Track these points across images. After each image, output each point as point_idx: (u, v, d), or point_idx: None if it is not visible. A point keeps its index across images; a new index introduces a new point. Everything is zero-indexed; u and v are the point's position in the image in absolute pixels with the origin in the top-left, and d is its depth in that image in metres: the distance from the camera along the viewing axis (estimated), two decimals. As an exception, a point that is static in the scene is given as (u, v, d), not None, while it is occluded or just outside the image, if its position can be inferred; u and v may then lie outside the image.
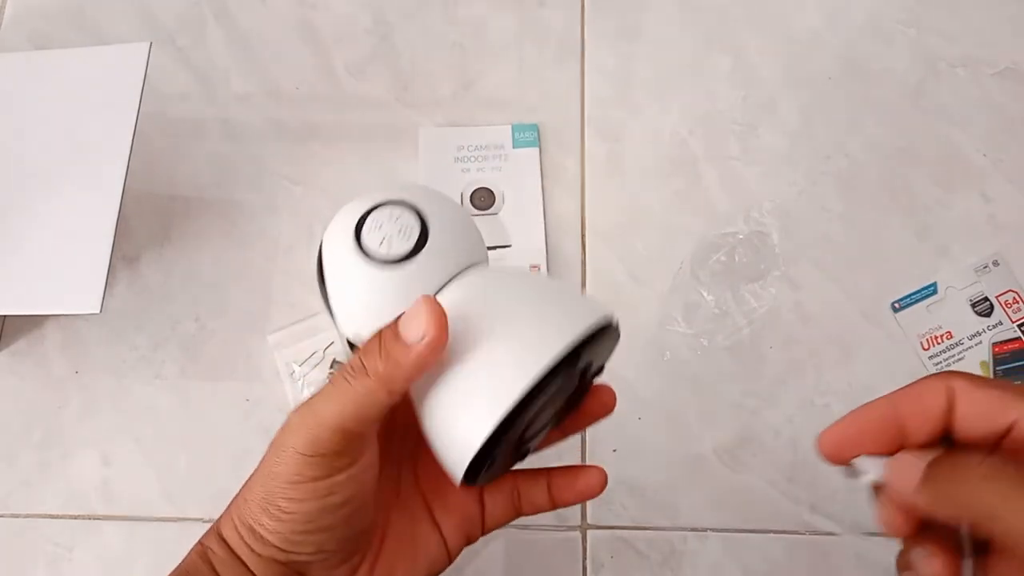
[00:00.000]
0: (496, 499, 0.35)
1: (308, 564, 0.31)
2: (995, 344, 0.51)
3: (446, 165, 0.56)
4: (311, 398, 0.29)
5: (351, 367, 0.28)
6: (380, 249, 0.30)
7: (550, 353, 0.28)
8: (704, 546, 0.48)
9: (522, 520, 0.49)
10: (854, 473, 0.28)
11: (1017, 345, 0.51)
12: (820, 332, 0.52)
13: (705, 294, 0.53)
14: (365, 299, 0.31)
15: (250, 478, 0.31)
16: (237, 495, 0.32)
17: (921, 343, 0.52)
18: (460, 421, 0.29)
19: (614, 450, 0.50)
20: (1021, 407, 0.26)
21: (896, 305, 0.53)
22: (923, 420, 0.27)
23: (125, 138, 0.47)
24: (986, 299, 0.52)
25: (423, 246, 0.30)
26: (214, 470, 0.51)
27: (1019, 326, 0.51)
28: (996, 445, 0.27)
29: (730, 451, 0.50)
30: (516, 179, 0.56)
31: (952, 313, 0.52)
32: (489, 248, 0.54)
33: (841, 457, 0.28)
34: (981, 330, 0.51)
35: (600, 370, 0.34)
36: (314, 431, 0.28)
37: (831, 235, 0.54)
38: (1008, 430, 0.26)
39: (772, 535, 0.49)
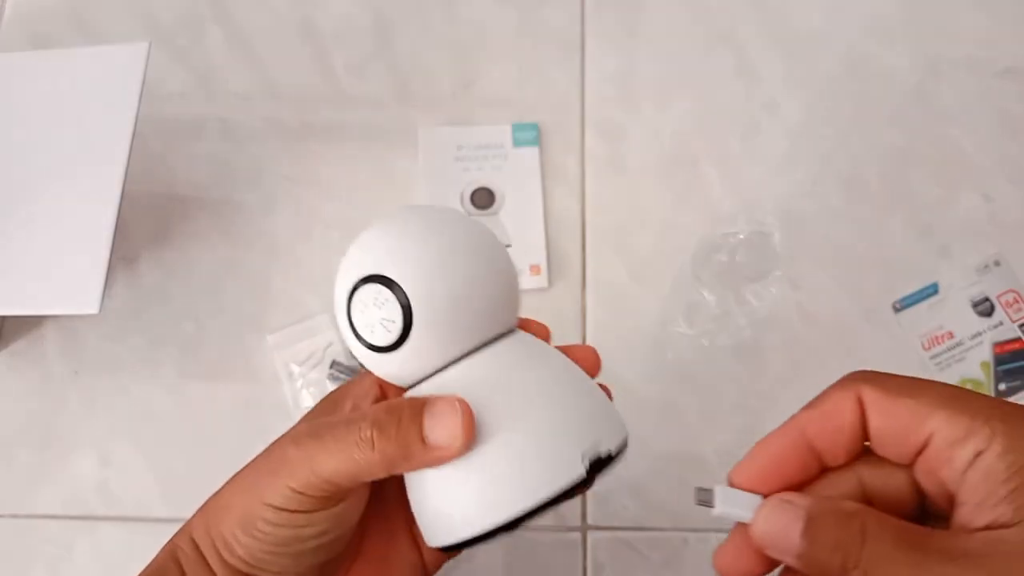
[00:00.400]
0: None
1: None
2: (996, 344, 0.51)
3: (446, 165, 0.56)
4: (316, 438, 0.28)
5: (361, 436, 0.27)
6: (365, 335, 0.29)
7: (557, 484, 0.26)
8: (705, 547, 0.48)
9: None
10: (706, 500, 0.25)
11: (1018, 345, 0.51)
12: (821, 332, 0.52)
13: (706, 294, 0.53)
14: (365, 362, 0.30)
15: (231, 483, 0.31)
16: (214, 498, 0.32)
17: (922, 343, 0.52)
18: (448, 508, 0.28)
19: (614, 450, 0.50)
20: (936, 417, 0.23)
21: (897, 305, 0.52)
22: (835, 442, 0.25)
23: (124, 138, 0.47)
24: (987, 299, 0.52)
25: (405, 339, 0.28)
26: (213, 470, 0.50)
27: (1020, 326, 0.51)
28: (911, 465, 0.24)
29: (731, 452, 0.50)
30: (516, 179, 0.56)
31: (953, 313, 0.52)
32: (489, 248, 0.54)
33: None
34: (982, 330, 0.51)
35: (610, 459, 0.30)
36: (308, 477, 0.28)
37: (832, 235, 0.54)
38: (923, 446, 0.23)
39: (773, 536, 0.48)
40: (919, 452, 0.24)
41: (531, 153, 0.56)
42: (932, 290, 0.52)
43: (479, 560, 0.48)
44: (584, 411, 0.28)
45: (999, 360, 0.51)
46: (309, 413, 0.34)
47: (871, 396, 0.24)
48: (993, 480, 0.22)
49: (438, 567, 0.34)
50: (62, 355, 0.53)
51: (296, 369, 0.52)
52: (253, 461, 0.31)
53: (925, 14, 0.59)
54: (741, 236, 0.54)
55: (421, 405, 0.27)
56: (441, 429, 0.27)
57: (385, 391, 0.33)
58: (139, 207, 0.55)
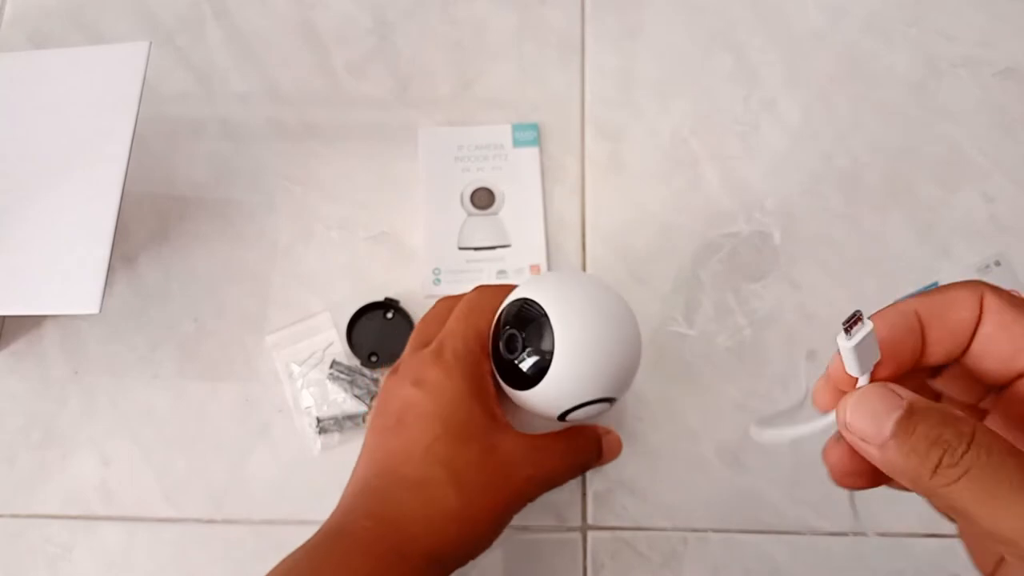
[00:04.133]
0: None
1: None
2: (996, 344, 0.51)
3: (446, 165, 0.56)
4: (549, 460, 0.41)
5: (591, 451, 0.45)
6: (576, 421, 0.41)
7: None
8: (705, 547, 0.48)
9: (522, 521, 0.48)
10: (856, 320, 0.24)
11: (1019, 345, 0.51)
12: (822, 332, 0.52)
13: (706, 294, 0.53)
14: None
15: (468, 506, 0.38)
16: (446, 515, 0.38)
17: (922, 343, 0.52)
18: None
19: (614, 450, 0.50)
20: None
21: (897, 305, 0.52)
22: (946, 335, 0.23)
23: (124, 138, 0.47)
24: (987, 299, 0.52)
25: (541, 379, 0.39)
26: (213, 470, 0.50)
27: (1021, 326, 0.51)
28: (1007, 385, 0.23)
29: (731, 452, 0.50)
30: (516, 179, 0.56)
31: (953, 313, 0.52)
32: (489, 248, 0.54)
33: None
34: (982, 330, 0.51)
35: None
36: (550, 488, 0.41)
37: (833, 235, 0.54)
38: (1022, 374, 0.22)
39: (773, 536, 0.48)
40: (1017, 377, 0.22)
41: (531, 153, 0.56)
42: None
43: (481, 560, 0.48)
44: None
45: (999, 360, 0.51)
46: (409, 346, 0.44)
47: (994, 303, 0.23)
48: None
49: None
50: (62, 355, 0.53)
51: (296, 369, 0.52)
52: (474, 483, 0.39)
53: (925, 14, 0.59)
54: (741, 236, 0.54)
55: (601, 438, 0.47)
56: (611, 452, 0.48)
57: None
58: (139, 207, 0.55)
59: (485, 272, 0.54)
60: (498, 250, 0.54)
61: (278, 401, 0.52)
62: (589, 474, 0.50)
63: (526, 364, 0.38)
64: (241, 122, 0.58)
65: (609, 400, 0.40)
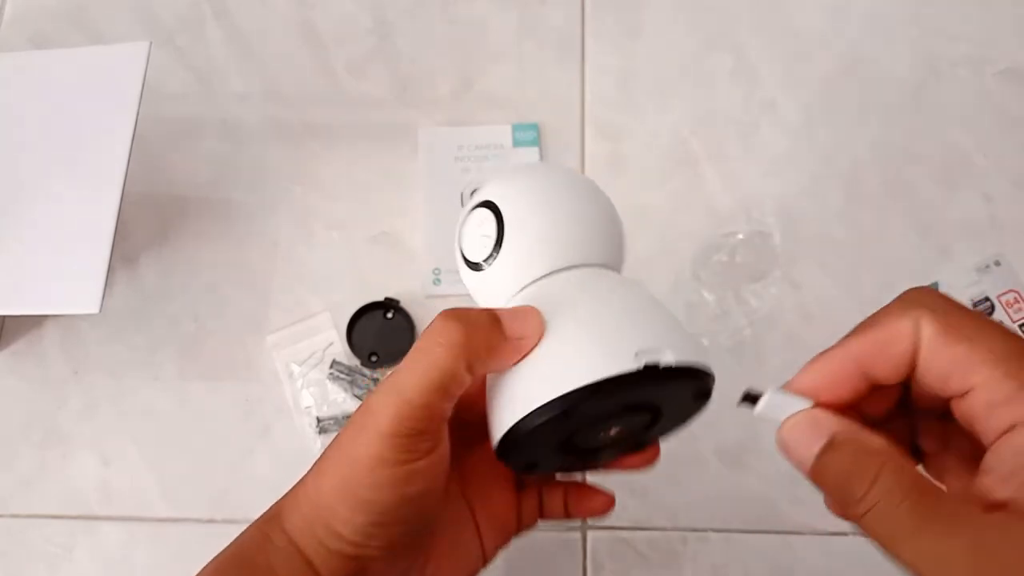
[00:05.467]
0: (526, 505, 0.36)
1: (375, 560, 0.30)
2: (996, 344, 0.51)
3: (446, 165, 0.56)
4: (389, 377, 0.29)
5: (436, 328, 0.28)
6: (468, 255, 0.33)
7: (607, 370, 0.27)
8: (705, 546, 0.48)
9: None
10: (753, 399, 0.26)
11: (1018, 345, 0.51)
12: (822, 332, 0.51)
13: (706, 294, 0.53)
14: (469, 285, 0.34)
15: (318, 465, 0.30)
16: (302, 484, 0.31)
17: (922, 343, 0.52)
18: (509, 401, 0.29)
19: (614, 450, 0.50)
20: (982, 373, 0.22)
21: (897, 305, 0.52)
22: (890, 369, 0.24)
23: (125, 138, 0.47)
24: (987, 299, 0.52)
25: (497, 252, 0.32)
26: (213, 470, 0.50)
27: (1020, 326, 0.51)
28: (945, 407, 0.24)
29: (731, 452, 0.50)
30: (516, 179, 0.56)
31: (953, 313, 0.52)
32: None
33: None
34: (982, 330, 0.51)
35: (668, 429, 0.33)
36: (399, 408, 0.27)
37: (832, 235, 0.54)
38: (964, 393, 0.23)
39: (773, 535, 0.48)
40: (960, 396, 0.23)
41: (531, 153, 0.56)
42: (932, 290, 0.52)
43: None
44: (650, 323, 0.30)
45: (999, 360, 0.51)
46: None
47: (928, 331, 0.23)
48: (1022, 459, 0.21)
49: (495, 553, 0.35)
50: (62, 355, 0.53)
51: (296, 369, 0.52)
52: (334, 442, 0.30)
53: (925, 14, 0.59)
54: (741, 236, 0.54)
55: (494, 312, 0.29)
56: (517, 326, 0.28)
57: None
58: (139, 207, 0.55)
59: (485, 272, 0.54)
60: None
61: (278, 401, 0.52)
62: (589, 474, 0.50)
63: (482, 245, 0.33)
64: (241, 122, 0.58)
65: (491, 207, 0.33)
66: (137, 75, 0.48)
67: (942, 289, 0.52)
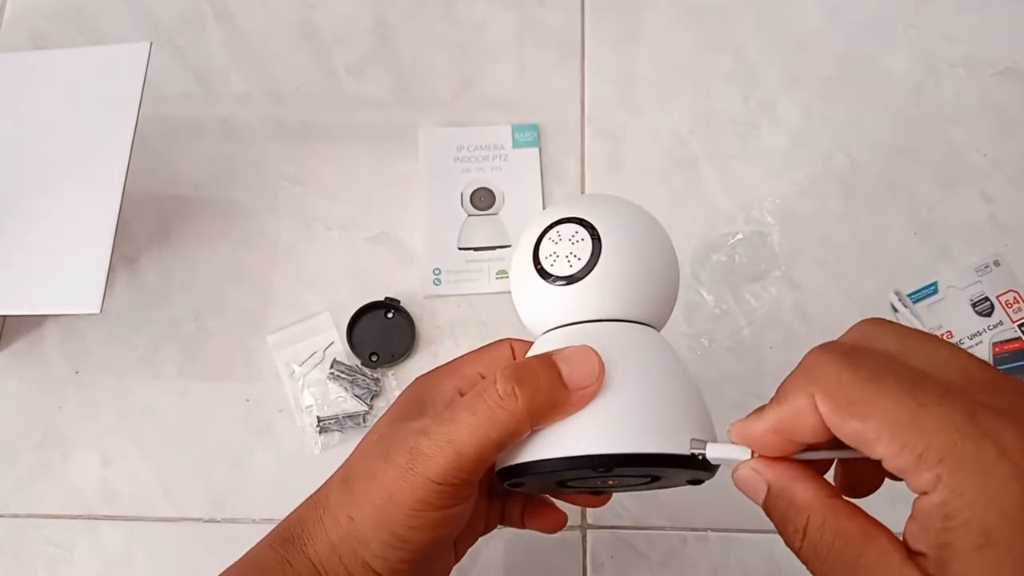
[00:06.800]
0: (492, 511, 0.37)
1: None
2: (995, 344, 0.51)
3: (446, 165, 0.56)
4: (446, 426, 0.29)
5: (501, 394, 0.28)
6: (545, 263, 0.31)
7: (661, 446, 0.28)
8: (704, 546, 0.48)
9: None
10: (699, 448, 0.28)
11: (1017, 345, 0.51)
12: (821, 332, 0.52)
13: (705, 294, 0.53)
14: (523, 292, 0.33)
15: (349, 494, 0.30)
16: (327, 509, 0.31)
17: (922, 343, 0.52)
18: (542, 435, 0.29)
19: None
20: (883, 446, 0.22)
21: (897, 305, 0.53)
22: (807, 436, 0.25)
23: (125, 138, 0.47)
24: (987, 299, 0.52)
25: (583, 276, 0.31)
26: (213, 470, 0.50)
27: (1019, 326, 0.51)
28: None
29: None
30: (516, 179, 0.56)
31: (953, 313, 0.52)
32: (489, 248, 0.54)
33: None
34: (982, 330, 0.51)
35: (644, 490, 0.34)
36: (454, 460, 0.28)
37: (832, 235, 0.54)
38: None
39: (773, 535, 0.48)
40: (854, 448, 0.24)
41: (531, 153, 0.56)
42: (931, 290, 0.53)
43: (480, 559, 0.48)
44: (698, 411, 0.30)
45: (999, 360, 0.51)
46: (390, 412, 0.33)
47: (824, 409, 0.24)
48: (930, 525, 0.22)
49: (464, 554, 0.36)
50: (62, 355, 0.53)
51: (297, 369, 0.52)
52: (367, 472, 0.30)
53: (924, 14, 0.59)
54: (740, 236, 0.54)
55: (549, 356, 0.28)
56: (579, 370, 0.28)
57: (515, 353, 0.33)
58: (140, 207, 0.56)
59: (485, 272, 0.54)
60: (498, 250, 0.54)
61: (279, 401, 0.52)
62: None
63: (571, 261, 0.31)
64: (241, 122, 0.58)
65: (587, 224, 0.32)
66: (137, 75, 0.48)
67: (941, 289, 0.52)
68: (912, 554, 0.22)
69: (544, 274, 0.31)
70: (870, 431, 0.22)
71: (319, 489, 0.33)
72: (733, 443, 0.27)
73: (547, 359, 0.28)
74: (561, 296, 0.31)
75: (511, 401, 0.28)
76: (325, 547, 0.30)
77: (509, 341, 0.34)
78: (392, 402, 0.35)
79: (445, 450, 0.28)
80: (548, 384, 0.28)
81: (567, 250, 0.31)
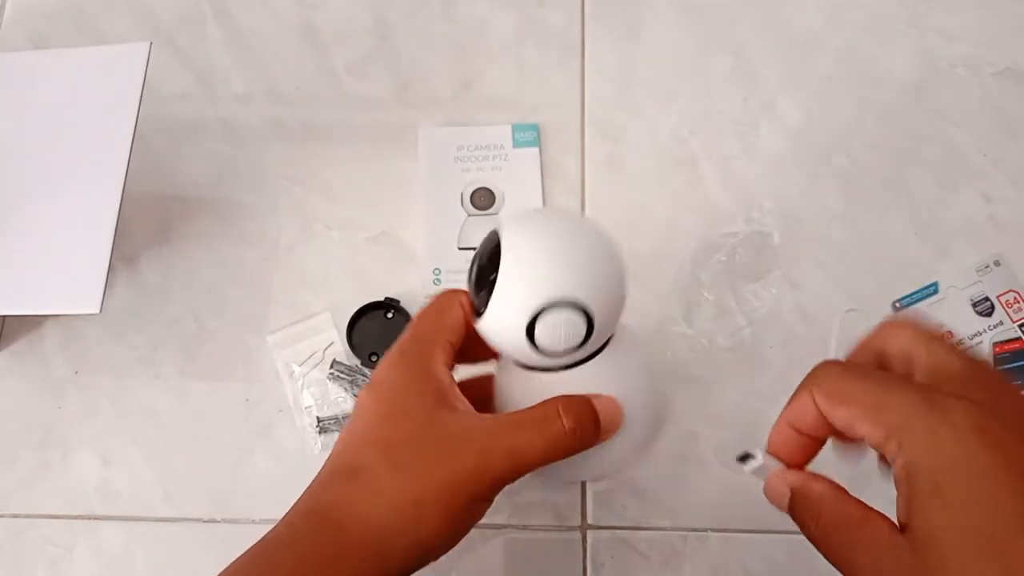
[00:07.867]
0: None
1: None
2: (996, 344, 0.51)
3: (446, 165, 0.56)
4: (509, 436, 0.34)
5: (565, 426, 0.35)
6: (543, 343, 0.35)
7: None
8: (705, 546, 0.48)
9: (522, 520, 0.48)
10: (744, 461, 0.33)
11: (1018, 345, 0.51)
12: (821, 332, 0.52)
13: (706, 294, 0.53)
14: (518, 355, 0.37)
15: (413, 480, 0.34)
16: (386, 496, 0.34)
17: (922, 343, 0.52)
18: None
19: (614, 450, 0.50)
20: (861, 428, 0.28)
21: (897, 305, 0.53)
22: (813, 429, 0.31)
23: (125, 138, 0.47)
24: (987, 299, 0.52)
25: (578, 348, 0.36)
26: (213, 470, 0.50)
27: (1020, 326, 0.51)
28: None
29: (731, 452, 0.50)
30: (516, 179, 0.56)
31: (953, 313, 0.52)
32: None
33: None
34: (982, 330, 0.51)
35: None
36: (521, 470, 0.34)
37: (832, 235, 0.54)
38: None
39: (773, 535, 0.48)
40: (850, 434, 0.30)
41: (531, 153, 0.56)
42: (932, 290, 0.53)
43: (481, 559, 0.48)
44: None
45: (999, 360, 0.51)
46: (410, 392, 0.36)
47: (819, 401, 0.30)
48: (901, 491, 0.27)
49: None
50: (62, 355, 0.53)
51: (297, 369, 0.52)
52: (423, 459, 0.34)
53: (925, 14, 0.59)
54: (740, 236, 0.54)
55: (591, 403, 0.36)
56: (610, 421, 0.36)
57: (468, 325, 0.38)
58: (140, 207, 0.56)
59: (485, 272, 0.54)
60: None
61: (279, 401, 0.52)
62: (591, 484, 0.50)
63: (481, 285, 0.35)
64: (241, 122, 0.58)
65: (581, 309, 0.34)
66: (137, 75, 0.48)
67: (941, 289, 0.52)
68: (900, 527, 0.27)
69: (540, 350, 0.35)
70: (853, 416, 0.29)
71: (341, 470, 0.35)
72: (768, 453, 0.33)
73: (590, 406, 0.36)
74: (555, 360, 0.37)
75: (571, 436, 0.35)
76: (377, 527, 0.33)
77: (456, 298, 0.38)
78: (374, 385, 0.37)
79: (509, 462, 0.34)
80: (593, 429, 0.35)
81: (564, 333, 0.35)
